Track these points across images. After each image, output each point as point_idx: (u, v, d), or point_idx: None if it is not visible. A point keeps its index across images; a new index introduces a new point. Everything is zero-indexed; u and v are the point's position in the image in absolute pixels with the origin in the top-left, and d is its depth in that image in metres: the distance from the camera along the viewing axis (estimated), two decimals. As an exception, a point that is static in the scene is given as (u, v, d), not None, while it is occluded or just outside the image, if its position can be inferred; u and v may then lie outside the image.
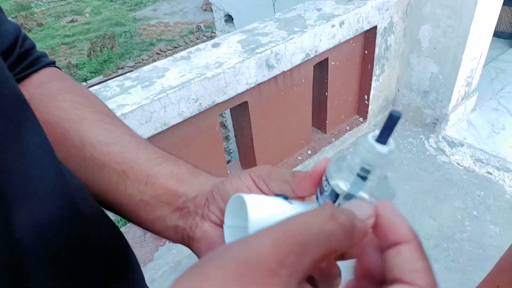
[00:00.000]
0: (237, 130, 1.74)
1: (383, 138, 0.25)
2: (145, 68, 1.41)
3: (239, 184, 0.32)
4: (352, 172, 0.26)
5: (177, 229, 0.35)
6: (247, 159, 1.78)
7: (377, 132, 0.25)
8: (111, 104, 1.24)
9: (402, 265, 0.22)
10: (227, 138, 2.03)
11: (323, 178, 0.28)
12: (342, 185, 0.26)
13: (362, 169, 0.25)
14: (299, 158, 1.92)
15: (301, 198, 0.31)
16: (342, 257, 0.26)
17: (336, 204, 0.27)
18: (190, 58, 1.43)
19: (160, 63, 1.43)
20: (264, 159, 1.76)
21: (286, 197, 0.31)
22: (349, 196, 0.26)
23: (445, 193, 1.83)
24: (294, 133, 1.85)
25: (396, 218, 0.23)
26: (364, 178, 0.26)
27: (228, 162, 1.94)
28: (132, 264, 0.41)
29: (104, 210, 0.39)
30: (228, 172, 1.69)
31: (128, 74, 1.39)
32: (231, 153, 2.06)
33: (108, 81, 1.37)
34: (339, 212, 0.22)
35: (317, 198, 0.29)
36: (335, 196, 0.27)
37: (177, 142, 1.40)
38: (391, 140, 0.25)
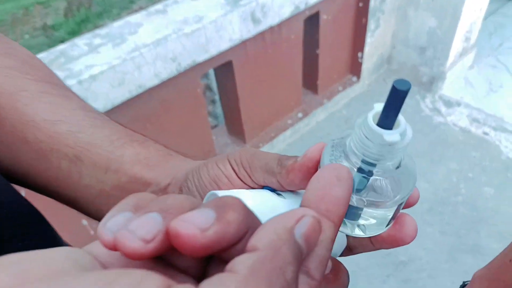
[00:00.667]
0: (222, 93, 1.62)
1: (389, 120, 0.18)
2: (116, 23, 1.26)
3: (217, 173, 0.26)
4: (352, 165, 0.20)
5: None
6: (234, 124, 1.68)
7: (378, 107, 0.18)
8: (78, 65, 1.11)
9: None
10: (213, 101, 1.92)
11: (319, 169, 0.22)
12: None
13: (365, 162, 0.19)
14: (289, 121, 1.82)
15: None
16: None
17: None
18: (166, 12, 1.28)
19: (132, 18, 1.28)
20: (252, 124, 1.66)
21: (273, 189, 0.25)
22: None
23: (441, 155, 1.77)
24: (284, 94, 1.74)
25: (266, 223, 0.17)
26: (369, 174, 0.20)
27: (215, 127, 1.83)
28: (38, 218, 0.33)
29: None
30: (214, 138, 1.59)
31: (96, 30, 1.24)
32: (218, 117, 1.95)
33: (74, 39, 1.23)
34: None
35: None
36: None
37: (155, 107, 1.28)
38: (400, 118, 0.18)
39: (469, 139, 1.83)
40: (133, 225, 0.15)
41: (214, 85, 2.01)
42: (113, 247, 0.15)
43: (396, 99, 0.17)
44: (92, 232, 1.24)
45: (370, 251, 0.26)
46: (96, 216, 0.32)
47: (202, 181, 0.26)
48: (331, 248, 0.18)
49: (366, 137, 0.19)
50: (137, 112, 1.25)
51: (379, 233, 0.22)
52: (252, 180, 0.25)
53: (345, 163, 0.20)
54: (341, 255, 0.27)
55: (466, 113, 1.91)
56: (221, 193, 0.24)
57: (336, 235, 0.18)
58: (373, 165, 0.19)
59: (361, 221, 0.21)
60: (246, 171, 0.25)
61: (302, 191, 0.25)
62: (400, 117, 0.19)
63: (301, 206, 0.18)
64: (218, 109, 2.05)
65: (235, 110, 1.60)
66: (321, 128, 1.91)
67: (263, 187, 0.25)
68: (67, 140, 0.30)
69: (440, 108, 1.95)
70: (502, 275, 0.47)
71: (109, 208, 0.28)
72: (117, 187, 0.30)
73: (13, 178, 0.32)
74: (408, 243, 0.23)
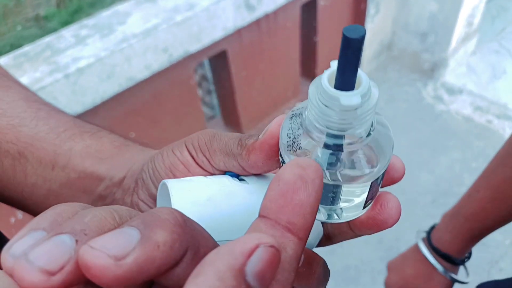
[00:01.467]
0: (217, 84, 1.57)
1: (346, 79, 0.15)
2: (104, 13, 1.21)
3: (172, 161, 0.23)
4: (314, 140, 0.17)
5: None
6: (230, 116, 1.63)
7: (334, 65, 0.15)
8: (65, 58, 1.06)
9: None
10: (209, 92, 1.87)
11: (279, 148, 0.18)
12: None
13: (330, 135, 0.16)
14: (286, 112, 1.77)
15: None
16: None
17: None
18: (156, 0, 1.22)
19: (121, 7, 1.22)
20: (248, 115, 1.61)
21: (236, 175, 0.22)
22: None
23: (443, 144, 1.73)
24: (281, 84, 1.69)
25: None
26: (337, 148, 0.16)
27: (212, 117, 1.79)
28: None
29: None
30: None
31: (84, 21, 1.19)
32: (215, 108, 1.91)
33: (61, 31, 1.17)
34: None
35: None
36: None
37: (147, 100, 1.24)
38: (361, 75, 0.15)
39: (472, 127, 1.79)
40: (35, 252, 0.12)
41: (209, 75, 1.96)
42: None
43: (350, 52, 0.14)
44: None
45: (351, 238, 0.23)
46: None
47: (157, 171, 0.23)
48: (296, 268, 0.14)
49: (324, 104, 0.15)
50: (128, 106, 1.20)
51: (356, 216, 0.19)
52: (211, 165, 0.22)
53: (306, 139, 0.17)
54: (318, 246, 0.24)
55: (469, 101, 1.86)
56: (170, 182, 0.21)
57: (302, 252, 0.14)
58: (340, 137, 0.16)
59: (336, 205, 0.18)
60: (204, 156, 0.22)
61: (268, 174, 0.23)
62: (361, 74, 0.15)
63: (259, 215, 0.14)
64: (215, 100, 2.01)
65: (231, 101, 1.55)
66: (320, 118, 1.86)
67: (224, 173, 0.22)
68: (8, 136, 0.27)
69: (442, 95, 1.90)
70: (461, 208, 0.52)
71: None
72: (66, 184, 0.27)
73: None
74: (391, 225, 0.20)
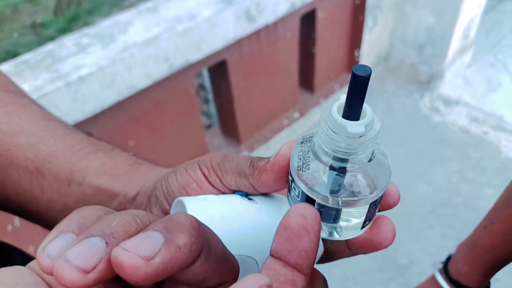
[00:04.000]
0: (216, 93, 1.58)
1: (353, 110, 0.17)
2: (105, 22, 1.21)
3: (186, 179, 0.25)
4: (322, 163, 0.19)
5: None
6: (228, 125, 1.64)
7: (343, 98, 0.18)
8: (66, 66, 1.06)
9: None
10: (206, 101, 1.87)
11: (289, 170, 0.21)
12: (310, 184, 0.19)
13: (336, 158, 0.18)
14: (285, 122, 1.78)
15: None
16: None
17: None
18: (157, 10, 1.23)
19: (122, 16, 1.23)
20: (247, 125, 1.62)
21: (245, 194, 0.24)
22: (325, 198, 0.19)
23: (440, 155, 1.74)
24: (279, 94, 1.70)
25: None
26: (342, 170, 0.19)
27: (209, 127, 1.79)
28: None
29: None
30: (208, 140, 1.55)
31: (85, 30, 1.19)
32: (212, 117, 1.91)
33: (62, 39, 1.18)
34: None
35: (288, 190, 0.21)
36: (306, 199, 0.19)
37: (147, 109, 1.24)
38: (366, 108, 0.18)
39: (469, 138, 1.80)
40: (71, 252, 0.14)
41: (207, 83, 1.96)
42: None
43: (357, 87, 0.17)
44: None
45: (349, 256, 0.25)
46: None
47: (170, 188, 0.25)
48: None
49: (332, 130, 0.18)
50: (128, 114, 1.20)
51: (355, 235, 0.21)
52: (223, 184, 0.24)
53: (314, 162, 0.19)
54: (318, 262, 0.26)
55: (465, 112, 1.88)
56: (187, 200, 0.23)
57: (307, 285, 0.17)
58: (345, 160, 0.18)
59: (336, 224, 0.20)
60: (216, 175, 0.24)
61: (276, 194, 0.25)
62: (366, 107, 0.18)
63: (270, 254, 0.17)
64: (212, 109, 2.01)
65: (230, 110, 1.56)
66: (318, 128, 1.87)
67: (234, 192, 0.24)
68: (27, 153, 0.28)
69: (439, 107, 1.92)
70: (478, 240, 0.52)
71: None
72: (82, 200, 0.28)
73: None
74: (386, 247, 0.22)
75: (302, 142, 0.20)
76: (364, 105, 0.18)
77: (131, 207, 0.27)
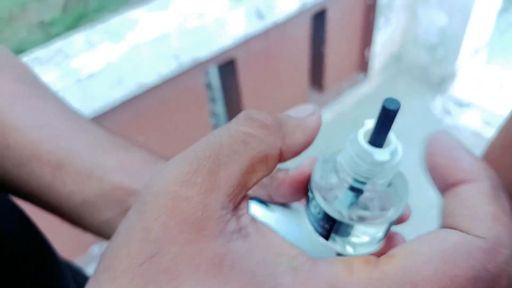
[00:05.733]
0: (225, 92, 1.57)
1: (379, 138, 0.18)
2: (115, 20, 1.21)
3: None
4: (342, 183, 0.20)
5: None
6: (237, 124, 1.63)
7: (369, 125, 0.19)
8: (75, 63, 1.07)
9: (457, 209, 0.16)
10: (213, 100, 1.87)
11: (309, 184, 0.22)
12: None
13: (355, 180, 0.20)
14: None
15: None
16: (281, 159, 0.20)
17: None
18: (167, 7, 1.23)
19: (132, 14, 1.23)
20: (256, 124, 1.61)
21: (261, 200, 0.24)
22: (342, 215, 0.20)
23: (451, 158, 1.72)
24: (289, 93, 1.69)
25: (456, 152, 0.17)
26: (359, 191, 0.20)
27: (215, 127, 1.78)
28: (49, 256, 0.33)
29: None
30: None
31: (95, 27, 1.19)
32: (218, 117, 1.91)
33: (72, 36, 1.18)
34: (255, 114, 0.18)
35: (307, 204, 0.22)
36: (324, 215, 0.20)
37: (155, 106, 1.24)
38: (391, 137, 0.19)
39: (481, 141, 1.77)
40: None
41: (214, 83, 1.96)
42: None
43: (386, 118, 0.18)
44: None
45: None
46: (78, 224, 0.31)
47: None
48: None
49: (356, 155, 0.19)
50: (137, 112, 1.20)
51: (369, 252, 0.22)
52: None
53: (335, 179, 0.21)
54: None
55: (477, 115, 1.85)
56: None
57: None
58: (364, 183, 0.20)
59: (351, 238, 0.21)
60: None
61: (292, 203, 0.25)
62: (391, 136, 0.19)
63: None
64: (218, 108, 2.01)
65: (238, 109, 1.55)
66: (328, 128, 1.86)
67: (251, 198, 0.24)
68: (49, 146, 0.29)
69: (450, 109, 1.90)
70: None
71: (92, 216, 0.29)
72: (101, 195, 0.29)
73: None
74: None
75: (324, 161, 0.22)
76: (390, 135, 0.19)
77: None
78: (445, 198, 0.18)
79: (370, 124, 0.19)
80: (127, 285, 0.13)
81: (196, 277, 0.13)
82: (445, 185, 0.18)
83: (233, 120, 0.18)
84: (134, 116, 1.20)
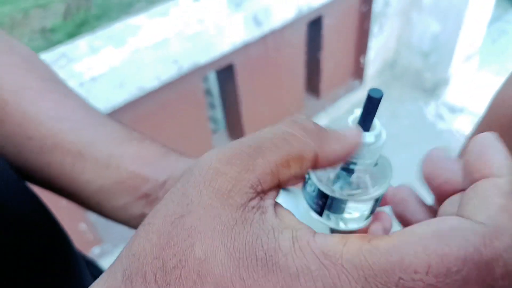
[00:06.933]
0: (223, 97, 1.60)
1: (366, 123, 0.21)
2: (117, 25, 1.25)
3: None
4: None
5: (144, 218, 0.26)
6: (235, 129, 1.66)
7: (357, 113, 0.22)
8: (78, 67, 1.09)
9: (470, 200, 0.17)
10: (212, 106, 1.90)
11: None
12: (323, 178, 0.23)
13: (346, 161, 0.22)
14: (290, 126, 1.79)
15: None
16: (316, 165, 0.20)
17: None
18: (167, 14, 1.26)
19: (133, 20, 1.26)
20: (253, 128, 1.64)
21: None
22: (335, 192, 0.23)
23: (444, 162, 1.74)
24: (285, 99, 1.72)
25: (488, 150, 0.18)
26: (350, 171, 0.22)
27: (214, 132, 1.81)
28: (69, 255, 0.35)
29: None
30: (214, 143, 1.57)
31: (97, 32, 1.23)
32: (217, 122, 1.93)
33: (75, 41, 1.21)
34: (300, 119, 0.20)
35: (304, 185, 0.24)
36: (319, 192, 0.23)
37: (155, 110, 1.26)
38: (376, 122, 0.22)
39: (473, 145, 1.81)
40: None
41: (213, 89, 1.99)
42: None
43: (371, 106, 0.21)
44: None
45: None
46: (95, 209, 0.33)
47: None
48: None
49: None
50: (137, 115, 1.23)
51: (359, 226, 0.25)
52: None
53: None
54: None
55: (470, 120, 1.89)
56: None
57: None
58: (355, 163, 0.22)
59: (344, 215, 0.23)
60: None
61: (293, 188, 0.28)
62: (376, 121, 0.22)
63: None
64: (217, 114, 2.03)
65: (237, 114, 1.58)
66: (323, 133, 1.88)
67: None
68: (70, 137, 0.32)
69: (443, 114, 1.93)
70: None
71: (109, 202, 0.32)
72: (117, 182, 0.31)
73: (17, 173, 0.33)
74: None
75: None
76: (375, 121, 0.22)
77: (161, 191, 0.31)
78: (465, 192, 0.18)
79: (358, 112, 0.22)
80: (156, 240, 0.16)
81: (209, 235, 0.16)
82: (470, 180, 0.18)
83: (280, 122, 0.20)
84: (134, 118, 1.23)
